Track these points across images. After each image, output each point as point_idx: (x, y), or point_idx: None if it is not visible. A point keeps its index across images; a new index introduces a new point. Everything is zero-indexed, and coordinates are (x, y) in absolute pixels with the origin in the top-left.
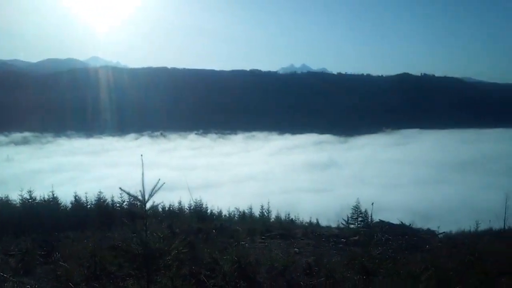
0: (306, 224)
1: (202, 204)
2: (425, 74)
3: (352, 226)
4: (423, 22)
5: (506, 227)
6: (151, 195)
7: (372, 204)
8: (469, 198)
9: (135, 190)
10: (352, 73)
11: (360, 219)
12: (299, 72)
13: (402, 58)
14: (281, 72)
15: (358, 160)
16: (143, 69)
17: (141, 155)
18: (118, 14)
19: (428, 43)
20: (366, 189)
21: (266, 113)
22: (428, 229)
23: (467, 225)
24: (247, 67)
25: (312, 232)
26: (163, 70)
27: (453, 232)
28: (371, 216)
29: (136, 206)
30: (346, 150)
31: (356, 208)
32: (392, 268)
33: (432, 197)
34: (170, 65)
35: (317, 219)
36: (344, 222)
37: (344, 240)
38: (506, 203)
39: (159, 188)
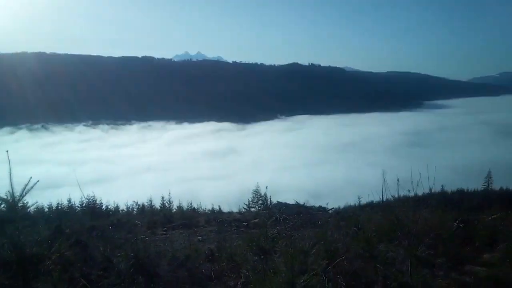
0: (209, 212)
1: (95, 200)
2: (312, 64)
3: (253, 209)
4: (308, 15)
5: (384, 200)
6: (22, 195)
7: (267, 187)
8: (352, 175)
9: (6, 191)
10: (247, 62)
11: (260, 202)
12: (194, 60)
13: (291, 48)
14: (176, 59)
15: (256, 146)
16: (16, 54)
17: (7, 151)
18: None
19: (316, 35)
20: (264, 173)
21: (163, 102)
22: (320, 206)
23: (352, 199)
24: (139, 53)
25: (215, 219)
26: (41, 56)
27: (341, 207)
28: (270, 198)
29: (6, 209)
30: (244, 137)
31: (256, 192)
32: (287, 245)
33: (322, 177)
34: (48, 50)
35: (219, 206)
36: (245, 206)
37: (246, 224)
38: (383, 177)
39: (32, 187)
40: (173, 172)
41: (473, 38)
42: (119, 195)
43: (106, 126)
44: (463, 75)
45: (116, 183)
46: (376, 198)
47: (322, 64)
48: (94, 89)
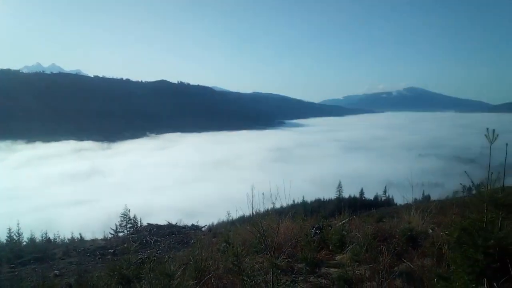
0: (68, 242)
1: None
2: (181, 82)
3: (121, 234)
4: (178, 33)
5: (253, 213)
6: None
7: (129, 210)
8: (225, 191)
9: None
10: (111, 77)
11: (129, 225)
12: (48, 72)
13: (159, 66)
14: (25, 71)
15: (124, 166)
16: None
17: None
18: None
19: (184, 54)
20: (134, 194)
21: (9, 118)
22: (193, 225)
23: (225, 215)
24: None
25: (75, 249)
26: None
27: (214, 223)
28: (140, 220)
29: None
30: (110, 157)
31: (125, 215)
32: (152, 270)
33: (196, 195)
34: None
35: (80, 234)
36: (112, 232)
37: (112, 251)
38: (252, 192)
39: None
40: (23, 199)
41: (322, 65)
42: None
43: None
44: (315, 97)
45: None
46: (246, 212)
47: (191, 83)
48: None
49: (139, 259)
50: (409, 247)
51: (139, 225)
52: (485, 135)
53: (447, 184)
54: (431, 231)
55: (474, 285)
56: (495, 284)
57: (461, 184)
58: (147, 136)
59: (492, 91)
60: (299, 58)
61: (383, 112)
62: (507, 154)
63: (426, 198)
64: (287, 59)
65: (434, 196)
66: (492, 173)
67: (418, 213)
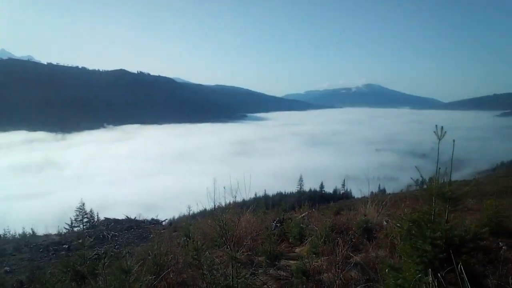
0: (19, 237)
1: None
2: (141, 72)
3: (77, 229)
4: (138, 21)
5: (215, 207)
6: None
7: (84, 204)
8: (187, 184)
9: None
10: (66, 64)
11: (85, 220)
12: None
13: (118, 54)
14: None
15: (80, 158)
16: None
17: None
18: None
19: (144, 43)
20: (91, 188)
21: None
22: (153, 219)
23: (186, 209)
24: None
25: (27, 245)
26: None
27: (175, 217)
28: (97, 215)
29: None
30: (65, 148)
31: (81, 209)
32: (110, 266)
33: (156, 188)
34: None
35: (32, 229)
36: (67, 227)
37: (67, 246)
38: (214, 185)
39: None
40: None
41: (286, 59)
42: None
43: None
44: (278, 91)
45: None
46: (208, 206)
47: (151, 73)
48: None
49: (95, 254)
50: (365, 238)
51: (95, 220)
52: (434, 132)
53: (401, 178)
54: (385, 223)
55: (420, 275)
56: (439, 274)
57: (411, 178)
58: (105, 127)
59: (444, 89)
60: (263, 52)
61: (342, 107)
62: (454, 150)
63: (382, 191)
64: (250, 53)
65: (389, 190)
66: (440, 168)
67: (374, 206)
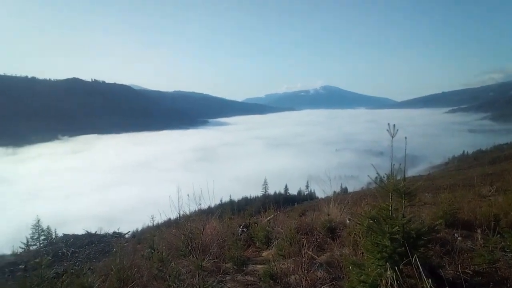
0: None
1: None
2: (95, 80)
3: (33, 247)
4: (87, 28)
5: (180, 216)
6: None
7: (39, 221)
8: (149, 194)
9: None
10: (13, 75)
11: (42, 237)
12: None
13: (69, 62)
14: None
15: (33, 173)
16: None
17: None
18: None
19: (96, 51)
20: (46, 203)
21: None
22: (115, 232)
23: (149, 220)
24: None
25: None
26: None
27: (139, 229)
28: (55, 231)
29: None
30: (16, 163)
31: (36, 226)
32: (70, 284)
33: (117, 200)
34: None
35: None
36: (23, 245)
37: (23, 266)
38: (178, 193)
39: None
40: None
41: (245, 63)
42: None
43: None
44: (238, 95)
45: None
46: (171, 215)
47: (106, 81)
48: None
49: (54, 273)
50: (329, 238)
51: (53, 237)
52: (387, 130)
53: (361, 176)
54: (348, 221)
55: (379, 269)
56: (396, 268)
57: (368, 176)
58: (59, 139)
59: (397, 89)
60: (222, 57)
61: (302, 109)
62: (408, 146)
63: (344, 191)
64: (209, 57)
65: (351, 188)
66: (394, 164)
67: (337, 205)
